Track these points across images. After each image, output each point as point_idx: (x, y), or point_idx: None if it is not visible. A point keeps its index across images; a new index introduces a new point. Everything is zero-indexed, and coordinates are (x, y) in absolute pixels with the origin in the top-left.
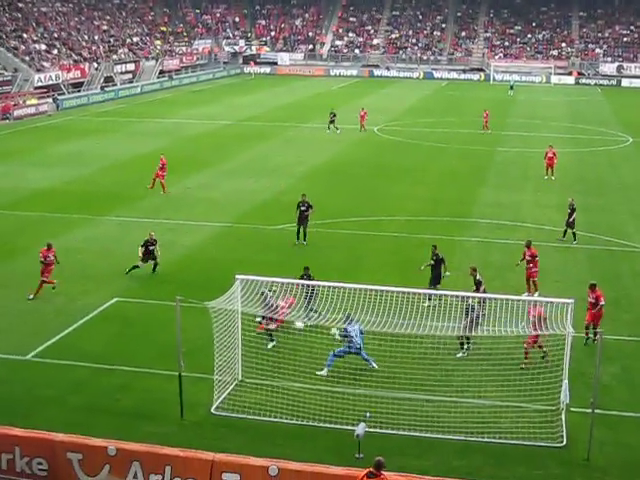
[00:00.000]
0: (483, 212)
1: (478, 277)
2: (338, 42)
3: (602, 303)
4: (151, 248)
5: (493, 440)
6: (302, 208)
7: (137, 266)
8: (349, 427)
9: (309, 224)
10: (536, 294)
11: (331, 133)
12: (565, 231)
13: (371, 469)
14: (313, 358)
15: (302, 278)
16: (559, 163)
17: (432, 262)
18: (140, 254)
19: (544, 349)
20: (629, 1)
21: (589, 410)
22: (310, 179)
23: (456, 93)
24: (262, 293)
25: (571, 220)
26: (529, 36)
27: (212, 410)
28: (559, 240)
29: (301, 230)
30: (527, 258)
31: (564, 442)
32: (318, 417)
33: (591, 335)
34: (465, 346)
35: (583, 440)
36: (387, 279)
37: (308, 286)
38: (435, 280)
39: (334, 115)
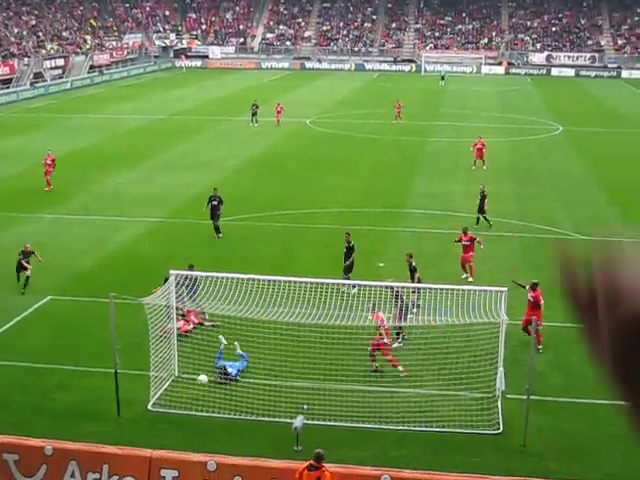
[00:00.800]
0: (416, 202)
1: (413, 264)
2: (269, 35)
3: (541, 303)
4: (22, 260)
5: (430, 429)
6: (214, 202)
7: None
8: (287, 420)
9: (221, 218)
10: (470, 278)
11: (254, 126)
12: (478, 218)
13: (311, 462)
14: (248, 352)
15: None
16: (491, 153)
17: (345, 250)
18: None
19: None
20: None
21: (525, 397)
22: (242, 172)
23: (388, 84)
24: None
25: (483, 206)
26: (459, 26)
27: (149, 407)
28: (474, 228)
29: (214, 224)
30: (464, 243)
31: (501, 429)
32: (256, 411)
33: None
34: (400, 336)
35: (519, 426)
36: (320, 271)
37: (190, 278)
38: (348, 269)
39: (256, 107)
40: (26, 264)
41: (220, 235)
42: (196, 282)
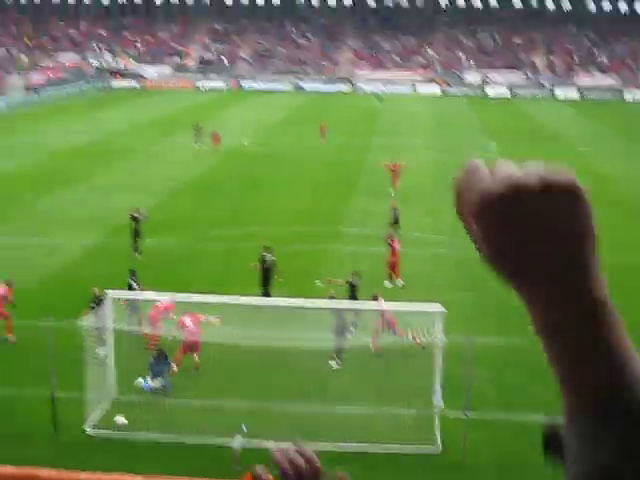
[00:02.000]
0: (352, 221)
1: (355, 282)
2: (205, 54)
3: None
4: None
5: (368, 448)
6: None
7: None
8: (226, 440)
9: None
10: (398, 280)
11: (199, 147)
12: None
13: None
14: (185, 372)
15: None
16: (427, 170)
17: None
18: None
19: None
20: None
21: (462, 414)
22: (179, 194)
23: (324, 104)
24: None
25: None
26: (395, 42)
27: (86, 429)
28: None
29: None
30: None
31: (439, 446)
32: (194, 431)
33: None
34: (337, 356)
35: (458, 444)
36: (257, 291)
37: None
38: (265, 281)
39: (199, 129)
40: None
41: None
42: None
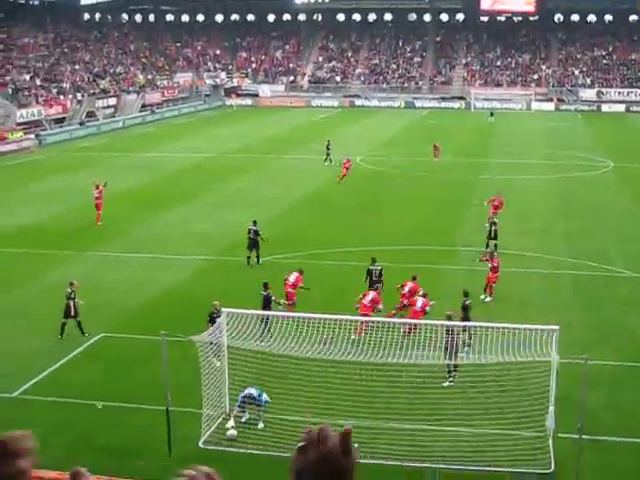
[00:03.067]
0: (467, 240)
1: (467, 302)
2: (319, 73)
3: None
4: (70, 302)
5: (481, 468)
6: (250, 236)
7: (64, 323)
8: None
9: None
10: (488, 298)
11: (330, 164)
12: (487, 244)
13: None
14: (299, 389)
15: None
16: (540, 190)
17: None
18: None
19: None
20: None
21: (576, 436)
22: (296, 211)
23: (437, 122)
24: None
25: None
26: (509, 60)
27: (200, 444)
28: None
29: (252, 255)
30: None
31: (552, 468)
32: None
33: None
34: (451, 375)
35: (571, 466)
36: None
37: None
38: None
39: (329, 146)
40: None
41: (258, 263)
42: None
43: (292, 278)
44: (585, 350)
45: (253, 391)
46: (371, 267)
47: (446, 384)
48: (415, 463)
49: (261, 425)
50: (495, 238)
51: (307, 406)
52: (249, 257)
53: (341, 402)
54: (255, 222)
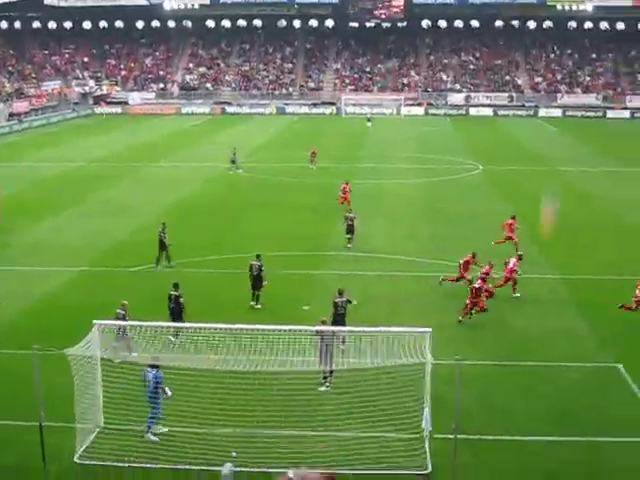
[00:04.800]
0: (338, 244)
1: (339, 300)
2: (189, 79)
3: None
4: None
5: (359, 471)
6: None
7: None
8: (217, 468)
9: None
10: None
11: (236, 172)
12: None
13: None
14: (176, 399)
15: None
16: (411, 193)
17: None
18: None
19: None
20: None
21: (452, 436)
22: (166, 218)
23: (309, 127)
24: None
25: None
26: (379, 65)
27: (75, 459)
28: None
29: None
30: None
31: (429, 469)
32: (184, 459)
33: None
34: (327, 380)
35: (448, 466)
36: (242, 317)
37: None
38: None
39: (234, 153)
40: None
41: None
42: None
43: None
44: (459, 351)
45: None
46: (252, 262)
47: (322, 389)
48: (290, 469)
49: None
50: (351, 232)
51: (186, 416)
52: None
53: (221, 410)
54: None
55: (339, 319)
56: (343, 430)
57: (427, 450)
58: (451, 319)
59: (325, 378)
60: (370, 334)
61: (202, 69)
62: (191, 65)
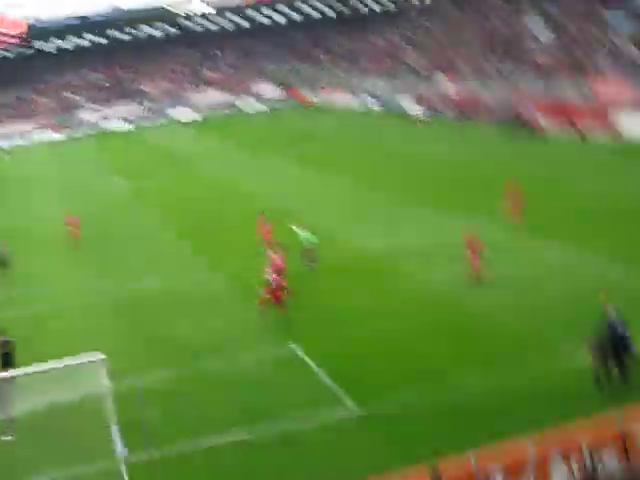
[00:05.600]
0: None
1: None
2: None
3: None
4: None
5: None
6: None
7: None
8: None
9: None
10: None
11: None
12: None
13: None
14: None
15: None
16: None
17: None
18: None
19: None
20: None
21: (147, 455)
22: None
23: None
24: None
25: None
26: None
27: None
28: None
29: None
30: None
31: None
32: None
33: None
34: (8, 428)
35: None
36: None
37: None
38: None
39: None
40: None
41: None
42: None
43: None
44: (132, 368)
45: None
46: None
47: (7, 438)
48: None
49: None
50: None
51: None
52: None
53: None
54: None
55: (7, 359)
56: (40, 475)
57: (124, 475)
58: (131, 339)
59: (6, 426)
60: (42, 372)
61: None
62: None
